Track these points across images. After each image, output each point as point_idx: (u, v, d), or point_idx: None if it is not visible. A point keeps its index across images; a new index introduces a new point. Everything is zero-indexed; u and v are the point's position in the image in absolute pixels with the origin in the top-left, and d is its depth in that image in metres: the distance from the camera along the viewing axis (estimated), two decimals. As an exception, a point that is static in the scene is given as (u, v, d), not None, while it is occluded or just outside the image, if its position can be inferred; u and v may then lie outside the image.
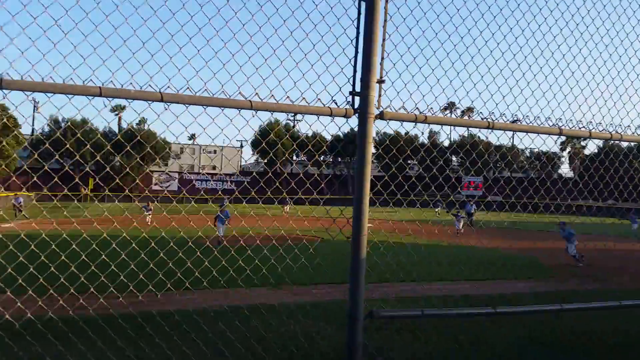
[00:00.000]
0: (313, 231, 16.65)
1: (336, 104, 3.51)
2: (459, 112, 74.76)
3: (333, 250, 13.54)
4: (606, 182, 5.76)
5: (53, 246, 3.61)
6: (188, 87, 3.10)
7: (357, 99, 3.50)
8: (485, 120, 3.82)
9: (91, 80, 2.95)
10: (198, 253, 4.23)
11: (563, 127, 4.09)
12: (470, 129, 4.28)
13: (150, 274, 4.24)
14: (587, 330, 6.71)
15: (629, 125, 4.37)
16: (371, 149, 3.48)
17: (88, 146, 3.58)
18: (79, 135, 3.59)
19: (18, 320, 3.71)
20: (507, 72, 4.22)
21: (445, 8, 3.86)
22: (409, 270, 10.32)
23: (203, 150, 79.83)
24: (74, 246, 3.54)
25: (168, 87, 3.12)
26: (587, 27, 4.55)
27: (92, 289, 3.82)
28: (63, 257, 3.59)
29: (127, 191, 4.82)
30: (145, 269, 4.14)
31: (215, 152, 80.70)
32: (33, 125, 59.04)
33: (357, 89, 3.49)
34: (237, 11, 3.19)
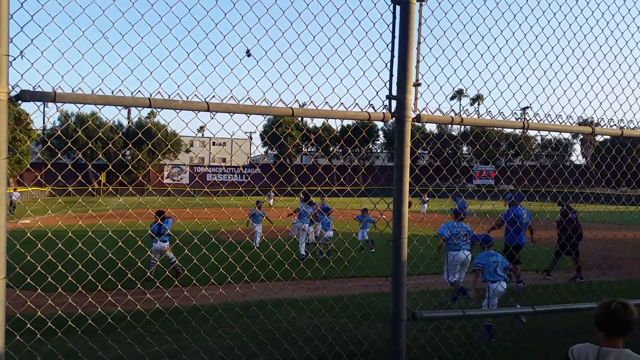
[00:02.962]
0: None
1: (373, 108, 3.57)
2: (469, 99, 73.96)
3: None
4: (622, 171, 5.56)
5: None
6: (232, 97, 3.18)
7: (393, 102, 3.55)
8: (519, 120, 3.86)
9: (139, 91, 3.04)
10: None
11: (596, 126, 4.11)
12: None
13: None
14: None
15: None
16: (409, 153, 3.53)
17: (117, 142, 3.68)
18: (101, 133, 3.69)
19: (50, 318, 3.83)
20: (540, 72, 4.24)
21: (478, 9, 3.88)
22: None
23: (213, 142, 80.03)
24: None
25: (213, 96, 3.20)
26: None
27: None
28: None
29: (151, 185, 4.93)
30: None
31: (224, 144, 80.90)
32: (44, 120, 59.09)
33: (394, 92, 3.54)
34: (276, 19, 3.25)
